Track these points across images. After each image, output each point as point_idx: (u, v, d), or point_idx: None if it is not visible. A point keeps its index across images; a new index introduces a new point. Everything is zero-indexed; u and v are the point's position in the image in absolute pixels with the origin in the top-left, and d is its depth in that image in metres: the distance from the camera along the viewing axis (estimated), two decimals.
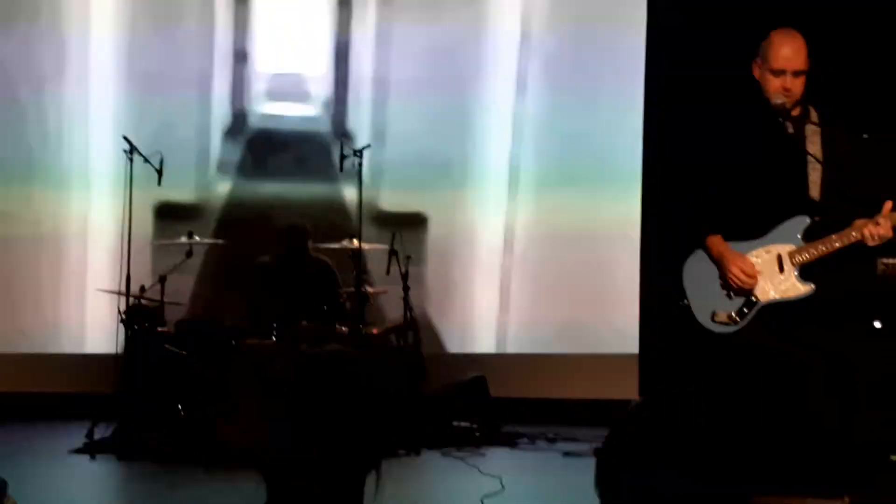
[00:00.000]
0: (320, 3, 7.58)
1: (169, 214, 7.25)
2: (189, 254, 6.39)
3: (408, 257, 6.53)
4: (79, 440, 5.97)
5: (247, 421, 5.23)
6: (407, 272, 6.52)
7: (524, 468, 5.84)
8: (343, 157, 6.35)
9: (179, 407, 5.85)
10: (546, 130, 7.52)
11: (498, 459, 5.92)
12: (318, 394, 1.72)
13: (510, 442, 6.35)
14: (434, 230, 7.50)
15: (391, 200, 7.47)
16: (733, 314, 4.10)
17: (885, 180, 4.05)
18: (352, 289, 6.33)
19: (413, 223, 7.43)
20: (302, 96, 7.56)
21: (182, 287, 6.86)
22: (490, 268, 7.52)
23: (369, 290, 6.43)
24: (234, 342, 6.04)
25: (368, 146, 6.43)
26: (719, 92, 4.34)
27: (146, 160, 6.24)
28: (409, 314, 6.51)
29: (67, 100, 7.34)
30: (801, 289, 4.09)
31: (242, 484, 4.99)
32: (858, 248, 4.03)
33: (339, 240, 6.59)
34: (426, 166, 7.48)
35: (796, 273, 4.09)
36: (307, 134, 7.51)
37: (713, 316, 4.11)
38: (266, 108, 7.56)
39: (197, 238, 6.44)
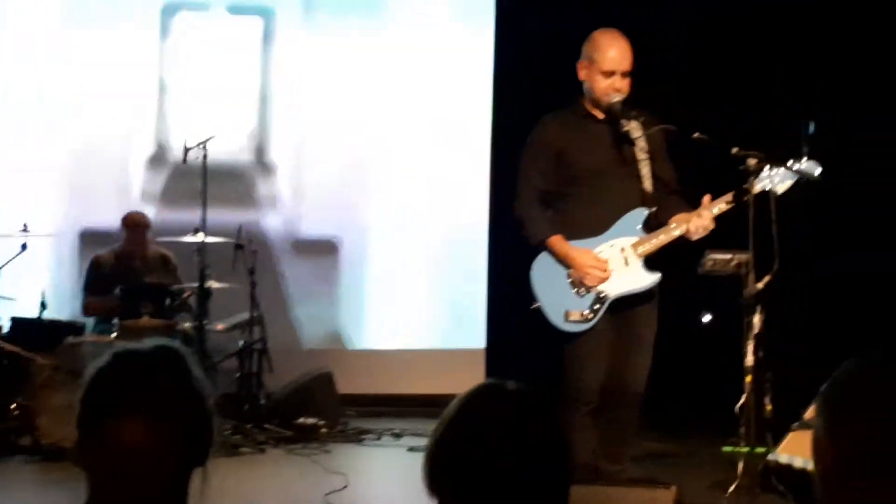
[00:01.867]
0: (243, 33, 7.45)
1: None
2: (24, 246, 6.14)
3: (254, 252, 6.44)
4: None
5: (66, 417, 5.09)
6: (254, 267, 6.43)
7: (370, 464, 5.83)
8: (187, 150, 6.23)
9: (12, 406, 5.64)
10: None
11: (343, 456, 5.89)
12: (138, 389, 1.67)
13: (356, 438, 6.34)
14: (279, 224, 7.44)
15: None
16: (585, 312, 4.17)
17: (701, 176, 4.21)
18: (195, 283, 6.20)
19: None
20: (225, 128, 7.25)
21: (18, 281, 6.59)
22: (337, 262, 7.49)
23: (214, 284, 6.30)
24: (70, 338, 5.85)
25: (212, 137, 6.31)
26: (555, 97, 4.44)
27: None
28: (255, 310, 6.42)
29: None
30: (649, 278, 4.20)
31: (66, 482, 4.89)
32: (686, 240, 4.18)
33: (183, 233, 6.44)
34: None
35: (642, 263, 4.20)
36: (230, 165, 7.27)
37: (567, 316, 4.18)
38: (189, 140, 7.26)
39: (31, 231, 6.20)
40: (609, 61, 4.17)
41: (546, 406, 1.57)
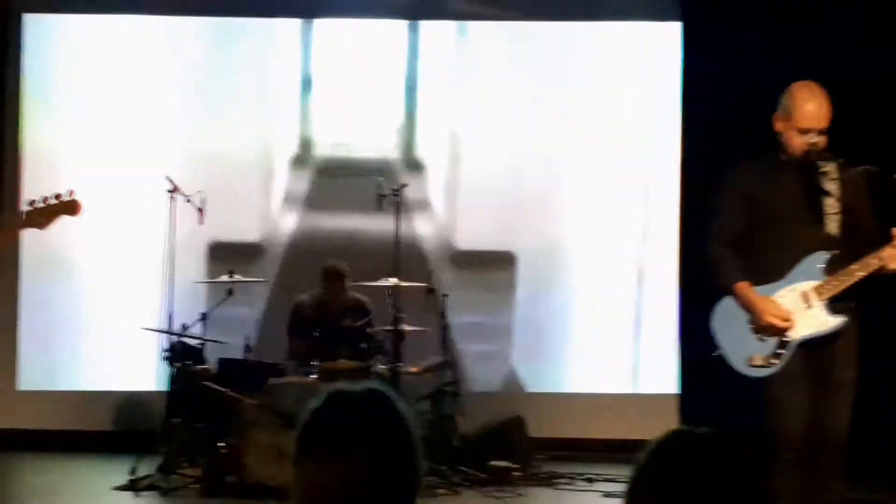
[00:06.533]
0: (389, 26, 7.52)
1: (222, 253, 7.18)
2: (230, 292, 6.46)
3: (444, 295, 6.55)
4: (122, 477, 6.03)
5: (279, 458, 5.29)
6: (445, 310, 6.55)
7: None
8: (381, 196, 6.39)
9: (220, 444, 5.89)
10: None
11: (537, 500, 5.90)
12: (352, 431, 1.75)
13: (549, 482, 6.33)
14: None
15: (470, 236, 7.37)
16: (769, 357, 4.10)
17: None
18: (390, 327, 6.36)
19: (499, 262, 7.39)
20: (370, 123, 7.44)
21: (225, 325, 6.92)
22: (533, 306, 7.52)
23: (407, 328, 6.45)
24: (273, 379, 6.10)
25: (406, 185, 6.48)
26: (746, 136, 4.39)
27: (188, 200, 6.35)
28: (447, 352, 6.53)
29: (112, 134, 7.44)
30: (832, 322, 4.09)
31: None
32: (881, 275, 4.03)
33: (377, 278, 6.63)
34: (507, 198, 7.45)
35: (825, 307, 4.09)
36: (376, 163, 7.34)
37: (749, 361, 4.12)
38: (333, 136, 7.45)
39: (237, 276, 6.52)
40: (805, 118, 4.09)
41: (739, 451, 1.55)
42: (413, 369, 6.61)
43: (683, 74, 7.47)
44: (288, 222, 7.32)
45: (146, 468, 6.04)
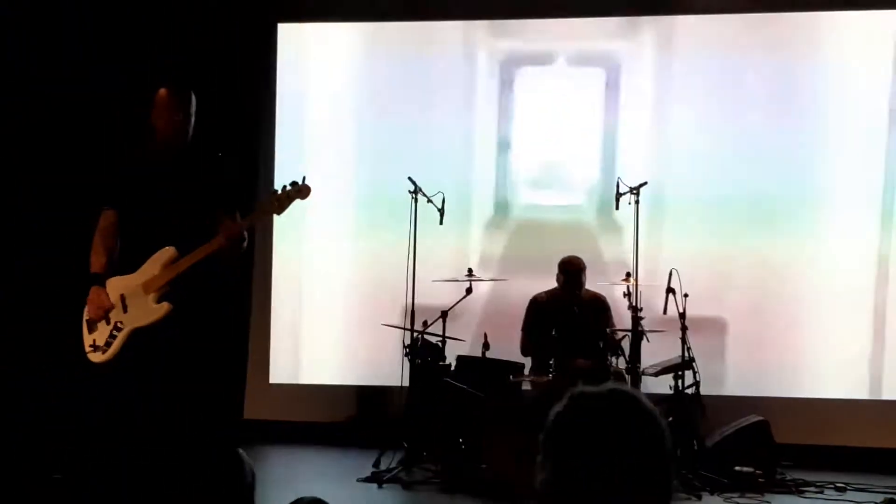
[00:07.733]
0: (586, 87, 7.44)
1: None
2: (469, 290, 6.55)
3: (685, 295, 6.40)
4: (367, 469, 6.23)
5: (519, 456, 5.32)
6: (684, 311, 6.40)
7: None
8: (619, 195, 6.34)
9: (460, 440, 5.99)
10: None
11: None
12: (592, 432, 1.73)
13: (796, 489, 6.08)
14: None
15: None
16: None
17: None
18: (628, 326, 6.28)
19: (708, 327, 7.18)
20: (567, 185, 7.46)
21: (463, 323, 7.03)
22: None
23: (646, 328, 6.35)
24: (511, 377, 6.14)
25: (645, 183, 6.38)
26: None
27: (429, 200, 6.50)
28: (686, 354, 6.38)
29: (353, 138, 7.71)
30: None
31: None
32: None
33: (615, 278, 6.57)
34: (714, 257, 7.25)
35: None
36: (572, 224, 7.38)
37: None
38: (529, 198, 7.49)
39: (476, 275, 6.60)
40: None
41: None
42: (651, 370, 6.51)
43: None
44: (483, 285, 7.18)
45: (389, 461, 6.22)
